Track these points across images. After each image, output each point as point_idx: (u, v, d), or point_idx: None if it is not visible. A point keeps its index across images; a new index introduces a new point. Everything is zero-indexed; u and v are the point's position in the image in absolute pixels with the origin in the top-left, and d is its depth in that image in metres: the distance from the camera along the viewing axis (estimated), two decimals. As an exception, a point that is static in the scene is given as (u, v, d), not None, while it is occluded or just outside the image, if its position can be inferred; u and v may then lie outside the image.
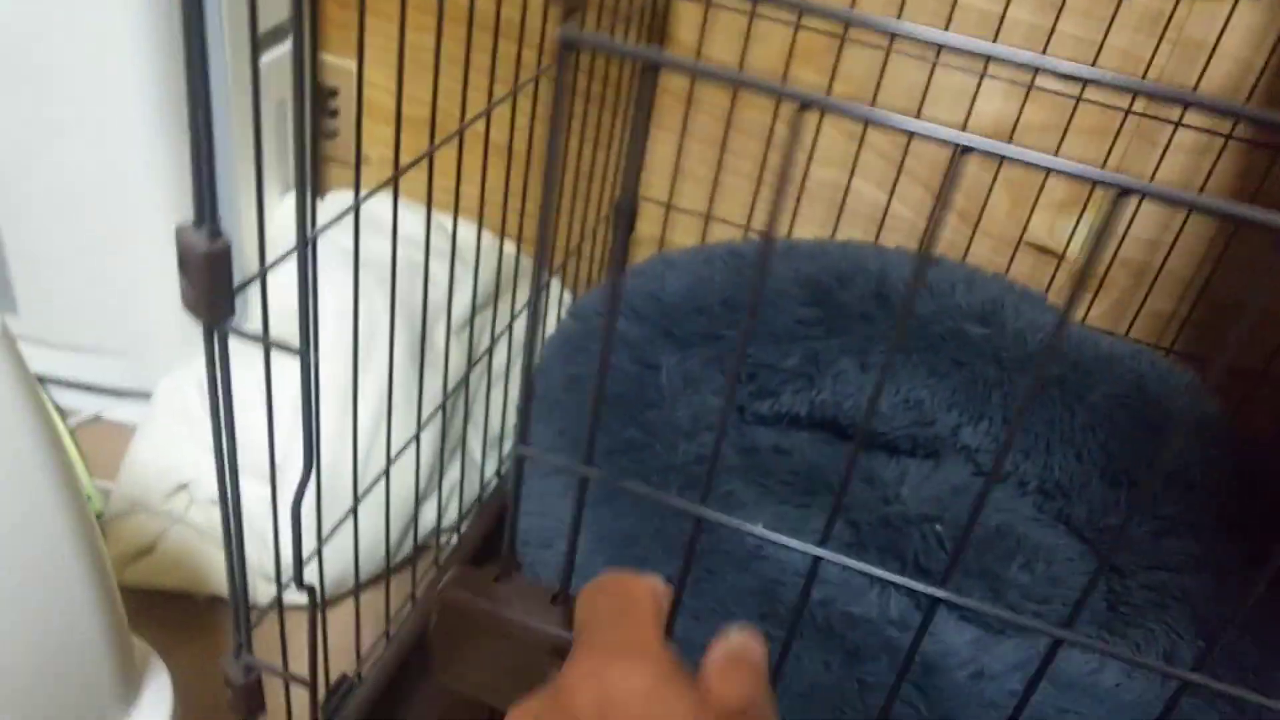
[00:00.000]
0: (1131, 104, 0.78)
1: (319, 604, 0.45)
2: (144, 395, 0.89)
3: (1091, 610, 0.68)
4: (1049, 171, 0.84)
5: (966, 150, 0.25)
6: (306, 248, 0.36)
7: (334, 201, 0.95)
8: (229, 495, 0.40)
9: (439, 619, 0.37)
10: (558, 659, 0.35)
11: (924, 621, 0.34)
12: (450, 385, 0.79)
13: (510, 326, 0.76)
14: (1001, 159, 0.25)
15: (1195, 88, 0.77)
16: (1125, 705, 0.56)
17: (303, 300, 0.35)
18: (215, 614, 0.77)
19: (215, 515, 0.77)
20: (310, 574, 0.45)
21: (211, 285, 0.34)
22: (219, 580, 0.75)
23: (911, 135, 0.27)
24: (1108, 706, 0.56)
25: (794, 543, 0.34)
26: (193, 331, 0.91)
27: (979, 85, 0.81)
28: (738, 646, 0.33)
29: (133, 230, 0.83)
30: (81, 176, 0.81)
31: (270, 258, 0.39)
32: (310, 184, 0.34)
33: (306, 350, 0.35)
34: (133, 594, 0.75)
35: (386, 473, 0.58)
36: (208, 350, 0.36)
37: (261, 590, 0.75)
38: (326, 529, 0.51)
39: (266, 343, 0.36)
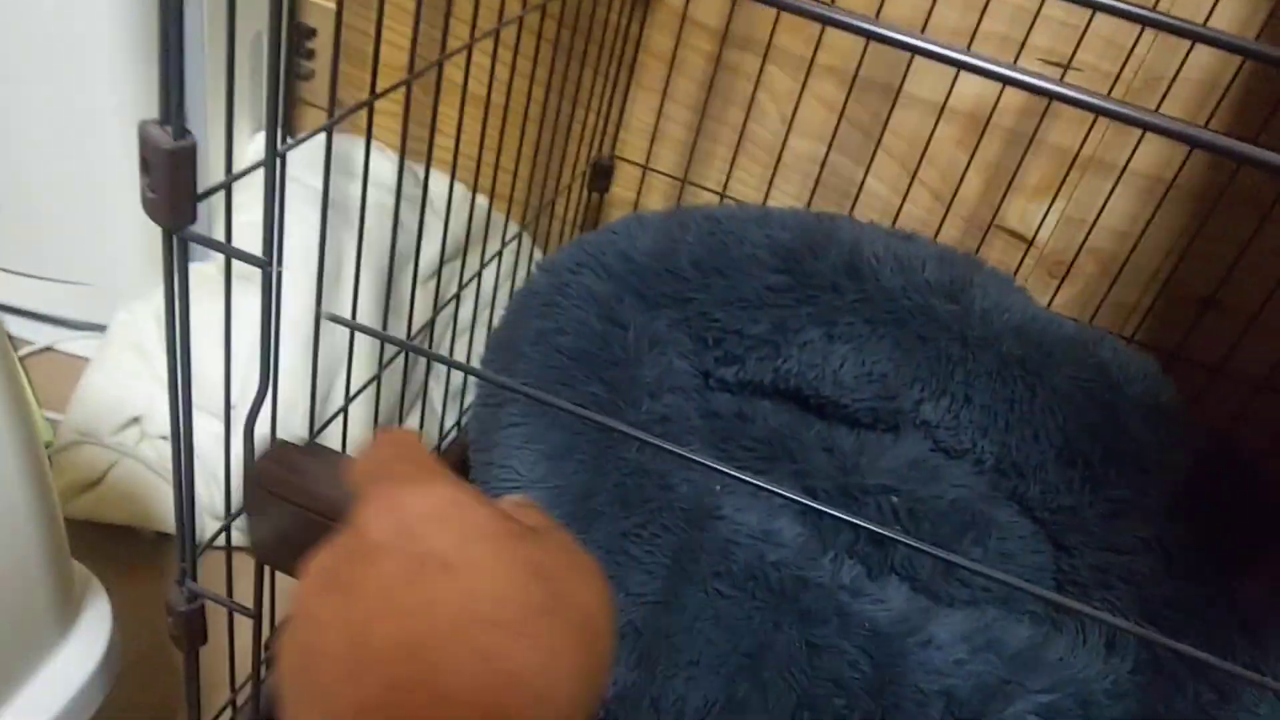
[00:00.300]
0: (1111, 89, 0.79)
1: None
2: (98, 328, 0.87)
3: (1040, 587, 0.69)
4: (1025, 154, 0.84)
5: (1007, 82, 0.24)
6: (275, 158, 0.35)
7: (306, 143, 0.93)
8: (180, 411, 0.39)
9: (249, 490, 0.37)
10: None
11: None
12: (414, 333, 0.78)
13: (479, 275, 0.75)
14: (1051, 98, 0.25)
15: (1173, 79, 0.78)
16: (1069, 679, 0.57)
17: (268, 210, 0.34)
18: (161, 552, 0.76)
19: (167, 451, 0.76)
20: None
21: (174, 186, 0.33)
22: (166, 517, 0.74)
23: (908, 67, 0.27)
24: (1052, 679, 0.57)
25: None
26: (151, 265, 0.89)
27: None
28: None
29: (94, 158, 0.81)
30: (43, 100, 0.78)
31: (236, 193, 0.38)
32: (284, 91, 0.33)
33: (269, 263, 0.34)
34: (77, 527, 0.73)
35: (345, 410, 0.57)
36: (166, 259, 0.35)
37: (209, 529, 0.74)
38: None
39: (228, 251, 0.35)
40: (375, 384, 0.61)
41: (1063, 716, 0.55)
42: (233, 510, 0.49)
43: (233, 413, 0.48)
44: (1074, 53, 0.79)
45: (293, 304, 0.75)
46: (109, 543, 0.74)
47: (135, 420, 0.77)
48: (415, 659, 0.25)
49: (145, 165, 0.34)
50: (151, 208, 0.34)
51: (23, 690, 0.43)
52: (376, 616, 0.26)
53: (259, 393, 0.38)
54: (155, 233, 0.91)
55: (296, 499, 0.37)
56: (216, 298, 0.40)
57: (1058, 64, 0.81)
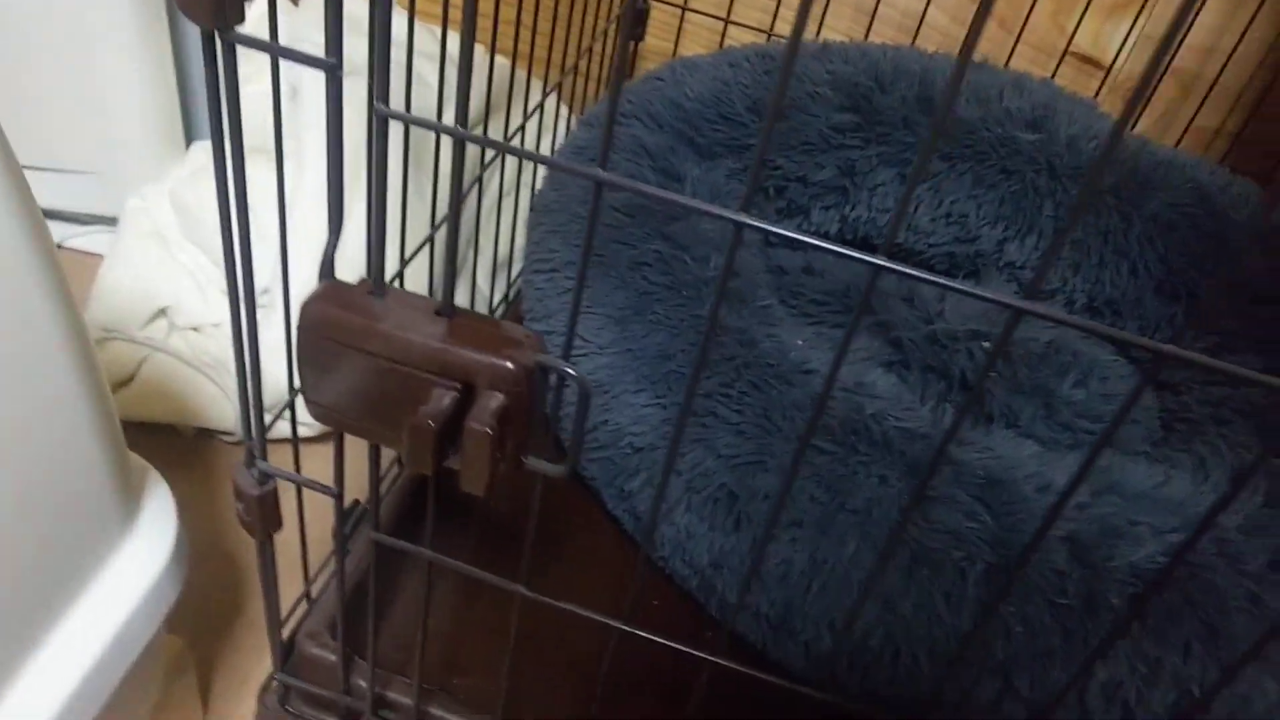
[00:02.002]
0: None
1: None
2: (108, 222, 0.82)
3: (1146, 429, 0.65)
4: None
5: None
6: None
7: (308, 6, 0.86)
8: (238, 267, 0.34)
9: (303, 337, 0.32)
10: (443, 380, 0.30)
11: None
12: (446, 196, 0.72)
13: (522, 129, 0.68)
14: None
15: None
16: (1199, 517, 0.53)
17: (330, 6, 0.28)
18: (204, 448, 0.71)
19: (198, 342, 0.71)
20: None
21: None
22: (206, 411, 0.70)
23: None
24: (1181, 518, 0.53)
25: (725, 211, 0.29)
26: (159, 147, 0.83)
27: None
28: None
29: (91, 40, 0.73)
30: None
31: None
32: None
33: (334, 66, 0.28)
34: (114, 427, 0.69)
35: (400, 275, 0.51)
36: (209, 66, 0.29)
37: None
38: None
39: (284, 53, 0.29)
40: (429, 245, 0.56)
41: (1196, 555, 0.51)
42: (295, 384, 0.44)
43: (256, 298, 0.43)
44: None
45: (316, 176, 0.69)
46: (148, 442, 0.70)
47: (162, 312, 0.72)
48: None
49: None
50: (190, 6, 0.28)
51: (96, 584, 0.40)
52: None
53: (331, 228, 0.32)
54: (161, 114, 0.84)
55: (366, 346, 0.32)
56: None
57: None
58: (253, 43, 0.29)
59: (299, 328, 0.32)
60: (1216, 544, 0.53)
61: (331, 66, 0.29)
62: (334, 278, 0.33)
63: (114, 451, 0.41)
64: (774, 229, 0.27)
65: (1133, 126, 0.80)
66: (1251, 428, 0.60)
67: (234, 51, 0.29)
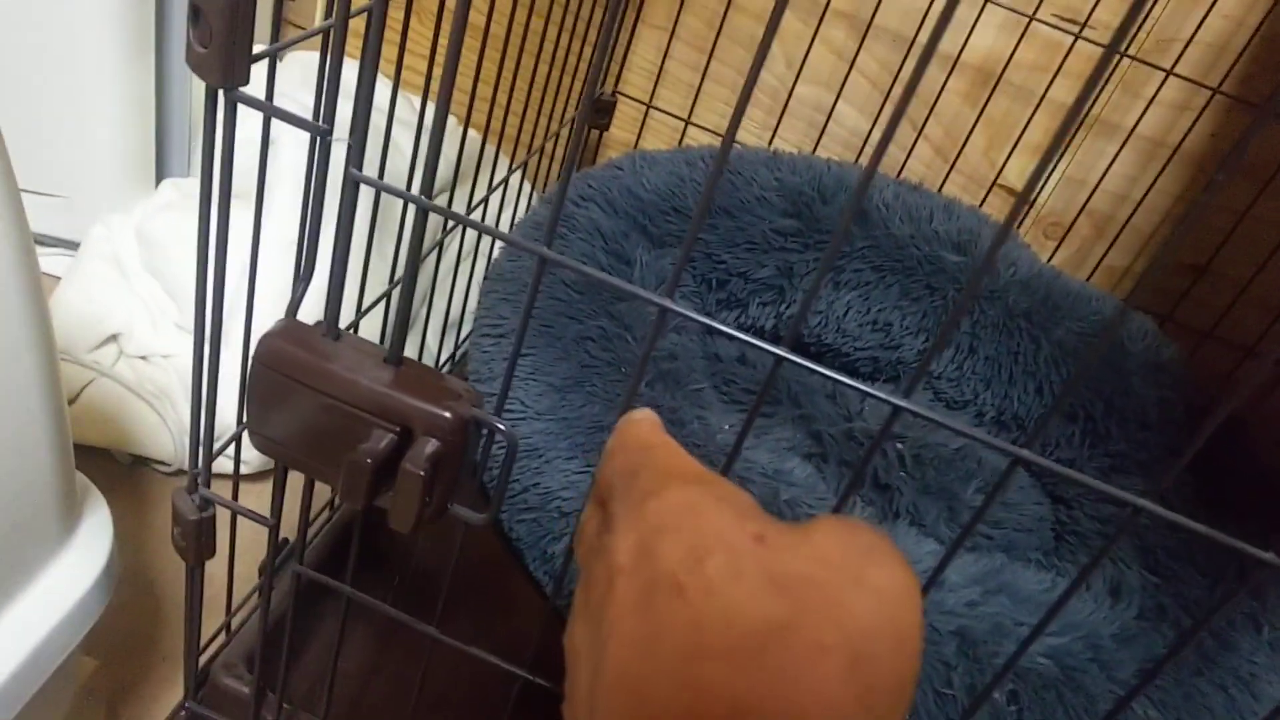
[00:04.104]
0: (1126, 47, 0.79)
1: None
2: (70, 245, 0.83)
3: (1039, 538, 0.69)
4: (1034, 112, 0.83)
5: None
6: (343, 21, 0.32)
7: (292, 62, 0.89)
8: (207, 300, 0.37)
9: (256, 369, 0.34)
10: (383, 423, 0.33)
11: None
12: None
13: (485, 201, 0.72)
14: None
15: (1188, 43, 0.78)
16: (1078, 623, 0.57)
17: (324, 74, 0.32)
18: (138, 477, 0.72)
19: (145, 371, 0.73)
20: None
21: (230, 36, 0.30)
22: (145, 440, 0.71)
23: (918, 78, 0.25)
24: (1061, 622, 0.57)
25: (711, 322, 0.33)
26: (127, 179, 0.85)
27: (978, 16, 0.80)
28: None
29: (76, 68, 0.76)
30: (21, 2, 0.74)
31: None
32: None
33: (325, 130, 0.32)
34: (49, 446, 0.69)
35: (355, 325, 0.54)
36: (208, 120, 0.32)
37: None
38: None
39: (279, 114, 0.32)
40: (385, 300, 0.59)
41: (1073, 658, 0.55)
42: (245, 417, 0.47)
43: (222, 333, 0.46)
44: (1091, 10, 0.79)
45: (284, 225, 0.72)
46: (84, 465, 0.70)
47: (112, 338, 0.73)
48: (634, 696, 0.22)
49: (196, 15, 0.31)
50: (201, 64, 0.31)
51: (25, 595, 0.41)
52: (610, 648, 0.23)
53: (302, 278, 0.35)
54: (133, 145, 0.86)
55: (315, 384, 0.34)
56: (194, 214, 0.37)
57: (1073, 20, 0.81)
58: (253, 102, 0.33)
59: (254, 358, 0.35)
60: (1091, 650, 0.57)
61: (323, 132, 0.32)
62: (290, 321, 0.36)
63: (64, 466, 0.42)
64: (691, 315, 0.31)
65: (1049, 260, 0.87)
66: (1133, 546, 0.65)
67: (235, 109, 0.33)
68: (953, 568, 0.59)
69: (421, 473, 0.33)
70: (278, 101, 0.33)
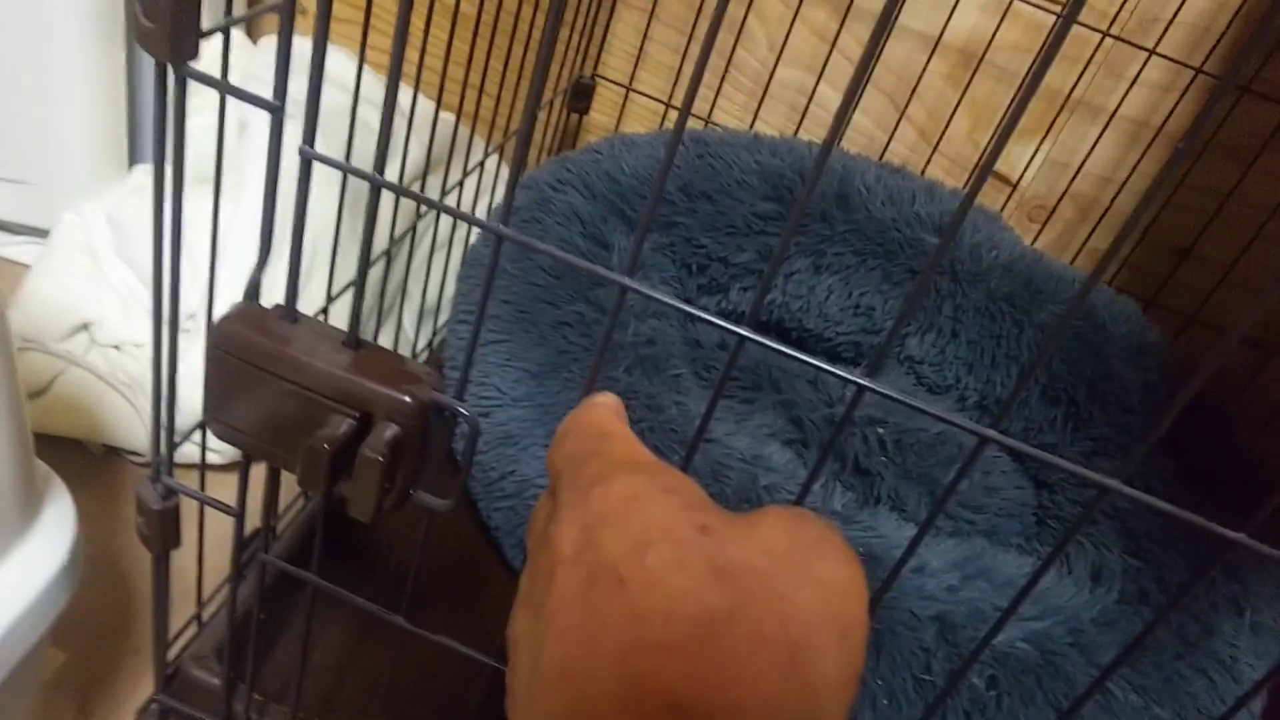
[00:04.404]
0: (1110, 26, 0.78)
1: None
2: (39, 233, 0.82)
3: (1022, 523, 0.69)
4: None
5: None
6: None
7: (266, 47, 0.88)
8: (165, 287, 0.36)
9: (212, 354, 0.34)
10: (342, 408, 0.32)
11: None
12: (381, 243, 0.74)
13: (460, 185, 0.71)
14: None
15: (1170, 21, 0.77)
16: (1058, 607, 0.57)
17: (280, 50, 0.31)
18: (110, 466, 0.71)
19: (118, 360, 0.72)
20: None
21: (177, 11, 0.29)
22: (118, 430, 0.70)
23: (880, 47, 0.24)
24: (1042, 607, 0.56)
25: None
26: (99, 164, 0.83)
27: (959, -5, 0.80)
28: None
29: (45, 53, 0.75)
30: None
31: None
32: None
33: (278, 108, 0.31)
34: (19, 437, 0.68)
35: (325, 310, 0.53)
36: (158, 95, 0.31)
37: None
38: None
39: (231, 90, 0.32)
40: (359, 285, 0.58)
41: (1052, 642, 0.55)
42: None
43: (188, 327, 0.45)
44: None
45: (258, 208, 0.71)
46: (55, 455, 0.69)
47: (84, 327, 0.72)
48: (573, 688, 0.22)
49: (143, -9, 0.30)
50: (147, 39, 0.30)
51: (-19, 584, 0.40)
52: (550, 639, 0.23)
53: (260, 257, 0.34)
54: (107, 134, 0.85)
55: (272, 368, 0.33)
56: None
57: (1055, 0, 0.80)
58: (204, 79, 0.32)
59: (209, 343, 0.34)
60: (1072, 634, 0.56)
61: (275, 108, 0.31)
62: (255, 301, 0.35)
63: (21, 455, 0.41)
64: (650, 294, 0.30)
65: (1032, 243, 0.86)
66: (1115, 529, 0.64)
67: (185, 85, 0.32)
68: (933, 553, 0.58)
69: (380, 458, 0.32)
70: (254, 86, 0.32)
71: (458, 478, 0.37)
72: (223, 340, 0.33)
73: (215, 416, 0.36)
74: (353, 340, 0.34)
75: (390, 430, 0.32)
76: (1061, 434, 0.71)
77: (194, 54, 0.31)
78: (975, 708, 0.54)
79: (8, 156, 0.79)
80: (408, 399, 0.32)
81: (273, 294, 0.34)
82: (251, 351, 0.33)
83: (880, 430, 0.69)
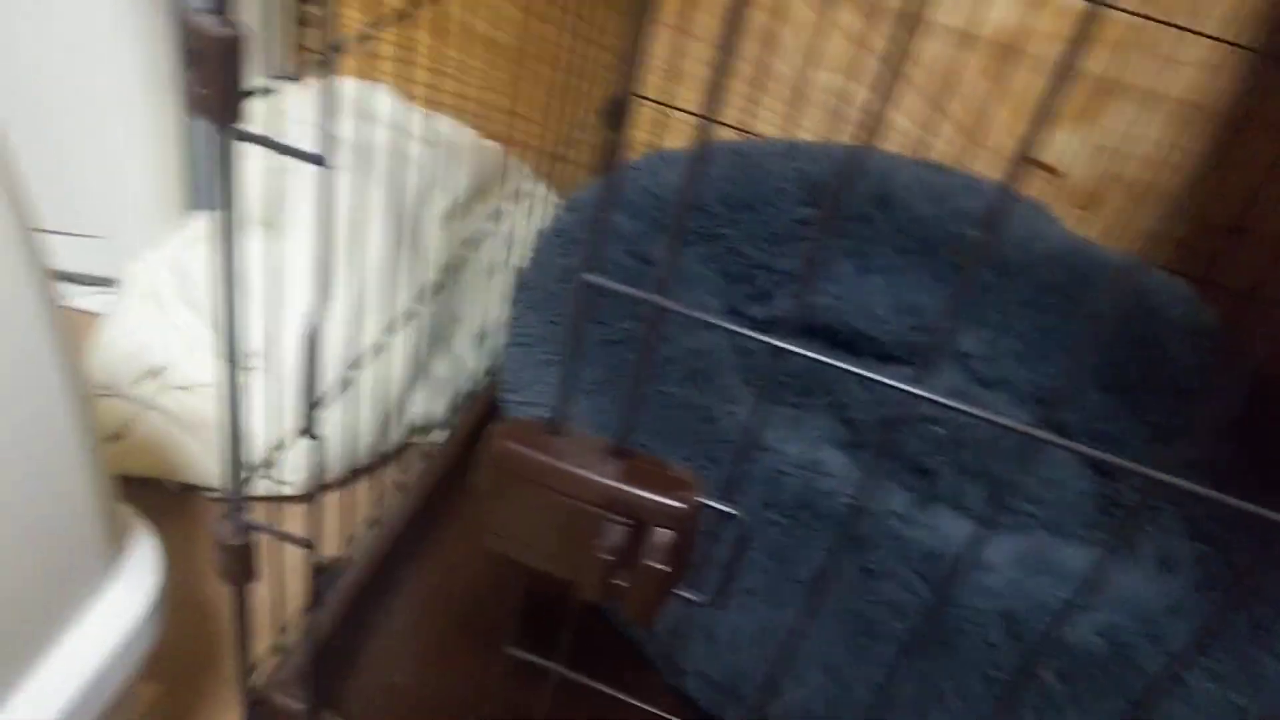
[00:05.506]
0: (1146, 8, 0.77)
1: (324, 456, 0.43)
2: (108, 284, 0.85)
3: (1083, 513, 0.68)
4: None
5: None
6: (331, 53, 0.33)
7: (312, 88, 0.91)
8: (230, 331, 0.38)
9: (487, 472, 0.35)
10: (616, 517, 0.34)
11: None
12: (435, 274, 0.76)
13: (503, 211, 0.73)
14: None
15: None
16: (1128, 598, 0.56)
17: (324, 107, 0.32)
18: (187, 503, 0.74)
19: (187, 402, 0.74)
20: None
21: (224, 75, 0.31)
22: (191, 467, 0.72)
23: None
24: (1111, 598, 0.56)
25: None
26: (162, 216, 0.87)
27: (990, -14, 0.79)
28: None
29: (104, 110, 0.78)
30: (53, 45, 0.76)
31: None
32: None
33: (320, 159, 0.32)
34: (101, 480, 0.71)
35: (382, 345, 0.55)
36: (213, 154, 0.33)
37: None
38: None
39: (279, 147, 0.33)
40: (412, 321, 0.59)
41: (1124, 634, 0.54)
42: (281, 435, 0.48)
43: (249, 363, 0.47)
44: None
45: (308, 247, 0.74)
46: (135, 495, 0.72)
47: (154, 372, 0.75)
48: None
49: (191, 58, 0.32)
50: (199, 104, 0.32)
51: (73, 630, 0.42)
52: None
53: (316, 304, 0.36)
54: (167, 184, 0.88)
55: (547, 481, 0.35)
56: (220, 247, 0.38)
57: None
58: (251, 138, 0.34)
59: (485, 461, 0.34)
60: (1143, 624, 0.56)
61: (321, 160, 0.33)
62: (313, 352, 0.36)
63: (103, 500, 0.44)
64: (682, 309, 0.31)
65: (1083, 231, 0.86)
66: (1178, 515, 0.63)
67: (233, 145, 0.33)
68: (994, 548, 0.58)
69: (664, 568, 0.33)
70: (301, 126, 0.34)
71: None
72: (498, 459, 0.35)
73: (491, 526, 0.37)
74: (623, 450, 0.35)
75: (666, 537, 0.33)
76: (1121, 421, 0.70)
77: (240, 117, 0.33)
78: (1048, 704, 0.54)
79: (75, 213, 0.83)
80: (682, 505, 0.33)
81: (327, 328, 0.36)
82: (525, 466, 0.34)
83: (937, 428, 0.69)
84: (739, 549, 0.36)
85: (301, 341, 0.37)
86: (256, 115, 0.36)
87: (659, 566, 0.33)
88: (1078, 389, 0.72)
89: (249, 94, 0.33)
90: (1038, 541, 0.59)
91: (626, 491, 0.34)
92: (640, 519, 0.34)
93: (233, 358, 0.38)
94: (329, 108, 0.33)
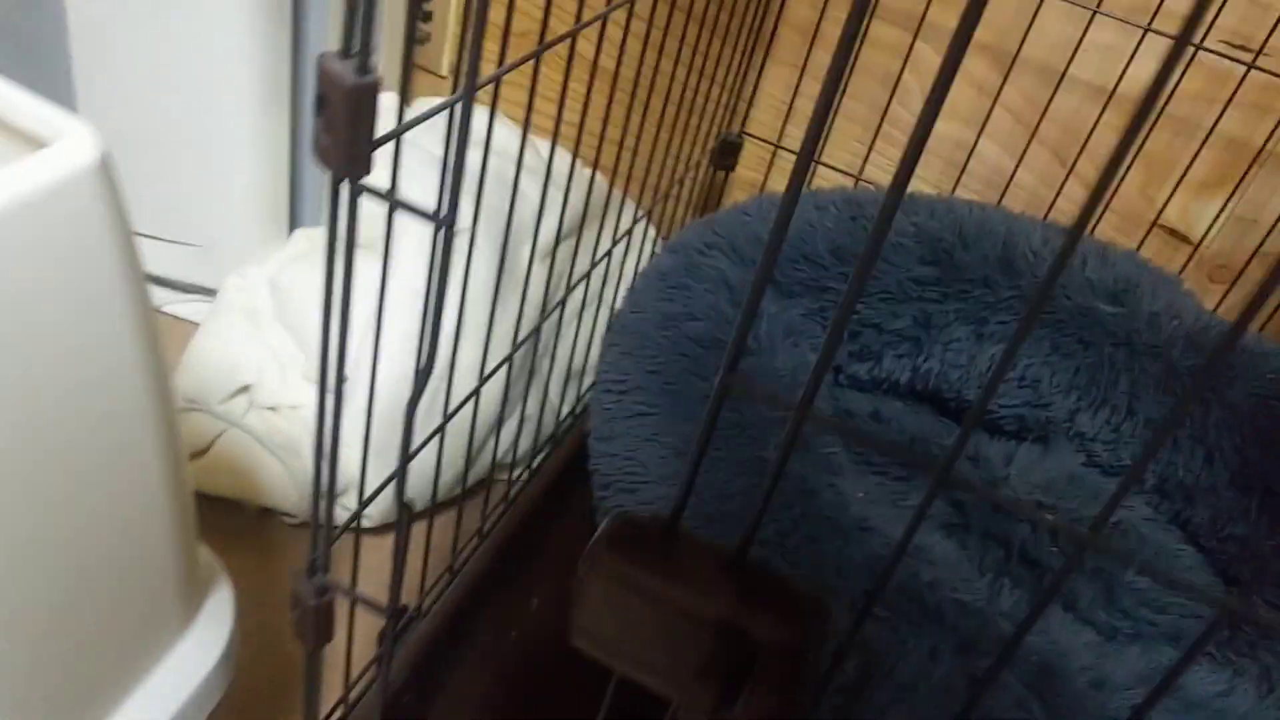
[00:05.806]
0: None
1: (409, 520, 0.41)
2: (206, 292, 0.85)
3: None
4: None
5: None
6: (468, 95, 0.30)
7: (420, 109, 0.90)
8: (329, 383, 0.36)
9: (587, 579, 0.32)
10: (729, 637, 0.30)
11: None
12: (531, 311, 0.74)
13: (609, 254, 0.70)
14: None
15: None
16: (1254, 729, 0.51)
17: (448, 162, 0.30)
18: (265, 527, 0.73)
19: (275, 422, 0.73)
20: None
21: (353, 127, 0.28)
22: (272, 491, 0.71)
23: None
24: (1236, 729, 0.51)
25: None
26: (263, 228, 0.87)
27: (1139, 44, 0.74)
28: None
29: (215, 120, 0.78)
30: (165, 57, 0.76)
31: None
32: (480, 19, 0.29)
33: (448, 221, 0.30)
34: (183, 496, 0.71)
35: (477, 392, 0.53)
36: (331, 208, 0.31)
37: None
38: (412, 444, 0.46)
39: (401, 204, 0.31)
40: (508, 365, 0.57)
41: (1256, 775, 0.49)
42: (364, 494, 0.46)
43: (343, 394, 0.45)
44: (1267, 37, 0.72)
45: (411, 273, 0.72)
46: (212, 515, 0.72)
47: (244, 389, 0.74)
48: None
49: (321, 103, 0.30)
50: (325, 153, 0.30)
51: (146, 682, 0.41)
52: None
53: (422, 369, 0.34)
54: (268, 195, 0.88)
55: (655, 595, 0.32)
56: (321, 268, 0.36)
57: (1244, 47, 0.74)
58: (375, 194, 0.31)
59: (583, 566, 0.32)
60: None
61: (446, 222, 0.31)
62: (412, 420, 0.34)
63: (187, 548, 0.42)
64: (830, 423, 0.28)
65: (1215, 309, 0.80)
66: (1323, 639, 0.58)
67: (357, 199, 0.31)
68: (1114, 663, 0.53)
69: (783, 699, 0.30)
70: (411, 150, 0.32)
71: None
72: (603, 569, 0.32)
73: (581, 624, 0.34)
74: (737, 563, 0.32)
75: (783, 664, 0.31)
76: (1256, 525, 0.65)
77: (368, 170, 0.30)
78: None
79: (179, 220, 0.83)
80: (800, 630, 0.30)
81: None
82: (633, 580, 0.32)
83: (1049, 516, 0.64)
84: (862, 680, 0.33)
85: (405, 408, 0.35)
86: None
87: (774, 698, 0.29)
88: (1208, 486, 0.67)
89: (377, 144, 0.31)
90: (1163, 658, 0.54)
91: (742, 611, 0.30)
92: (758, 646, 0.31)
93: (333, 434, 0.36)
94: (457, 170, 0.31)
